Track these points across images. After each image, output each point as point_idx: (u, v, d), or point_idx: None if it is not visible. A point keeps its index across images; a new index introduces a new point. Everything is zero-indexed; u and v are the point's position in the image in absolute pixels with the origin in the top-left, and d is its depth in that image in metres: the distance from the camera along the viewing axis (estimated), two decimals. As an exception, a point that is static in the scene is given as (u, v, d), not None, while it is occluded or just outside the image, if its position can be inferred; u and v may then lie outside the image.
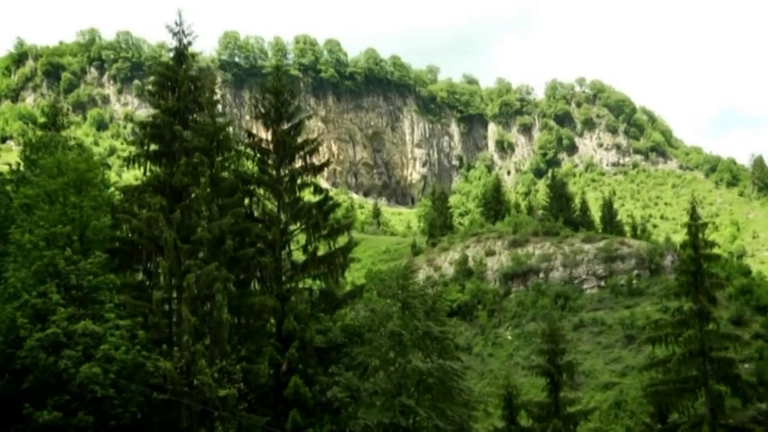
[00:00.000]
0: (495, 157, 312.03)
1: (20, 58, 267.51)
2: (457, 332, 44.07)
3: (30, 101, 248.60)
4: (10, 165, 40.45)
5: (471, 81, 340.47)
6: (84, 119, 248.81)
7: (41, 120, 49.16)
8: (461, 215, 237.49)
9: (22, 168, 38.96)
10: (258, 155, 37.47)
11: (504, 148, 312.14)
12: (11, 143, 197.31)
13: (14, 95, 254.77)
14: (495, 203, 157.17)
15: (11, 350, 26.72)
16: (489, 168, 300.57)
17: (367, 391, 31.45)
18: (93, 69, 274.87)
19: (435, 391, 32.08)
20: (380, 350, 32.13)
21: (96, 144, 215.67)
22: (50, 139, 41.22)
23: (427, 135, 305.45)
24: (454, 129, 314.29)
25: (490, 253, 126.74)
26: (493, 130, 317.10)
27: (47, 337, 26.39)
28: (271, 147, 37.28)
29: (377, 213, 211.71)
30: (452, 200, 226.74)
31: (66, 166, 32.04)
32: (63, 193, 31.31)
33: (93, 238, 30.85)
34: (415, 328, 32.05)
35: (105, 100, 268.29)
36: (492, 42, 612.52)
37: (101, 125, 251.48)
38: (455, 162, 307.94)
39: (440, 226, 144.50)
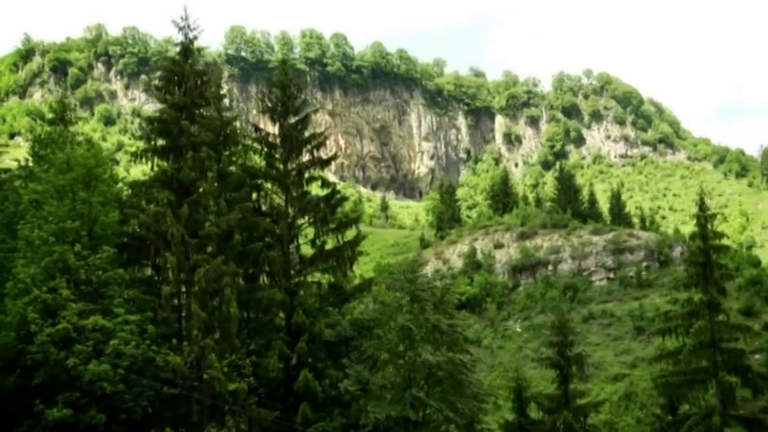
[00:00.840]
0: (503, 149, 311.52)
1: (27, 54, 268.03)
2: (466, 325, 43.88)
3: (37, 97, 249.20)
4: (18, 161, 40.52)
5: (478, 74, 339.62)
6: (92, 114, 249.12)
7: (49, 115, 49.13)
8: (469, 208, 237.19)
9: (30, 164, 39.04)
10: (265, 149, 37.32)
11: (512, 140, 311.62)
12: (19, 139, 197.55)
13: (22, 91, 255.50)
14: (502, 196, 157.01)
15: (22, 345, 26.83)
16: (497, 161, 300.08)
17: (376, 385, 31.42)
18: (100, 65, 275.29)
19: (445, 384, 31.99)
20: (390, 343, 32.08)
21: (104, 139, 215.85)
22: (59, 134, 41.30)
23: (434, 128, 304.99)
24: (461, 121, 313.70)
25: (498, 245, 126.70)
26: (500, 122, 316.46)
27: (57, 333, 26.48)
28: (278, 141, 37.13)
29: (385, 207, 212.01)
30: (460, 193, 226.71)
31: (74, 161, 32.02)
32: (72, 188, 31.33)
33: (102, 233, 30.91)
34: (425, 322, 32.01)
35: (112, 95, 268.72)
36: (498, 35, 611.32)
37: (108, 120, 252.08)
38: (462, 155, 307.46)
39: (448, 219, 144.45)
